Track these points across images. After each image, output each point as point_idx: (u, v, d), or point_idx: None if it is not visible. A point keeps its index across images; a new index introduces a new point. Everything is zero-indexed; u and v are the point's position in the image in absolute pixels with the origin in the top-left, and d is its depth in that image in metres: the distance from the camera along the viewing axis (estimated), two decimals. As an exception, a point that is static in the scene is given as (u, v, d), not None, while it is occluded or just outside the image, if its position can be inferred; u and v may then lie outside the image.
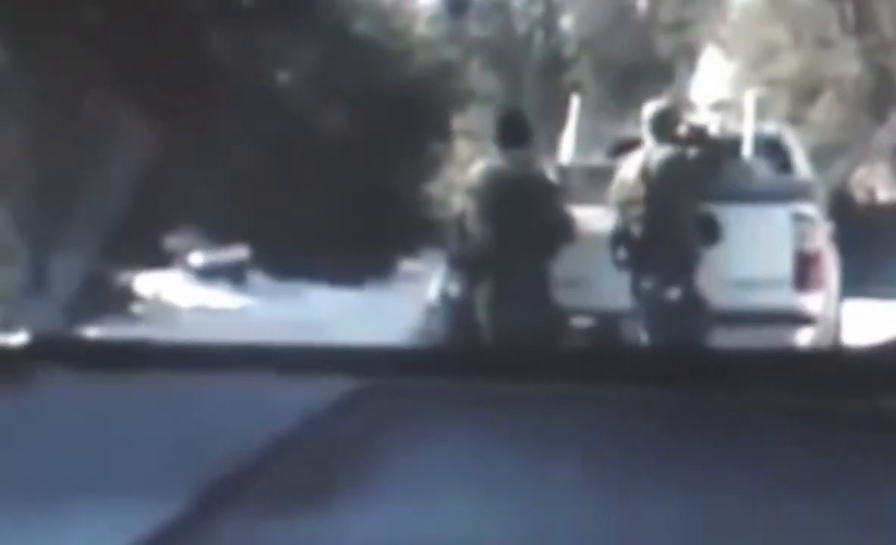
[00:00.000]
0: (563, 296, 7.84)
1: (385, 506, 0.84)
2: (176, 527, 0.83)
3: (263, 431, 0.93)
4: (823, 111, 18.96)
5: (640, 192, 7.23)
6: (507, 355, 1.48)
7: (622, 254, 7.30)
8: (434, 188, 18.05)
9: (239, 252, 12.96)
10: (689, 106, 10.24)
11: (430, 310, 9.88)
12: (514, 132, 7.41)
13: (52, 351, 1.20)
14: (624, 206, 7.31)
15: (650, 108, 7.63)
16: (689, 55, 20.10)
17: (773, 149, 9.26)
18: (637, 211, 7.23)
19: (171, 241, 12.64)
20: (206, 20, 11.72)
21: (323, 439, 0.94)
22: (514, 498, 0.84)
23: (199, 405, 1.03)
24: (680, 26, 21.11)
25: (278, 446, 0.92)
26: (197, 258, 12.72)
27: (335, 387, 1.00)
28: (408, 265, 16.07)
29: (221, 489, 0.86)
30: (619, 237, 7.32)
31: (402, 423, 0.98)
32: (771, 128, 10.30)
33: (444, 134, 17.93)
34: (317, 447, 0.93)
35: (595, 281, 7.54)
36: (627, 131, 9.42)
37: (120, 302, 10.97)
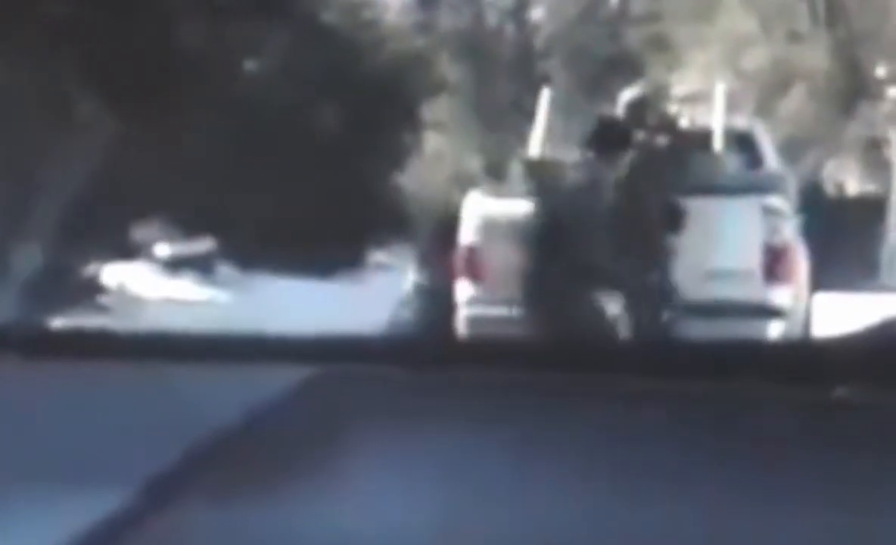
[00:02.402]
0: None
1: (341, 495, 0.84)
2: (126, 516, 0.82)
3: (220, 420, 0.92)
4: (794, 104, 19.00)
5: (609, 177, 7.23)
6: (476, 345, 1.50)
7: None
8: (404, 180, 18.00)
9: (206, 243, 12.88)
10: (662, 97, 10.25)
11: (404, 302, 9.87)
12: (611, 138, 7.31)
13: (8, 339, 1.19)
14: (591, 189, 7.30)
15: (626, 95, 7.66)
16: (661, 47, 20.11)
17: (743, 142, 9.27)
18: (605, 194, 7.22)
19: (138, 232, 12.55)
20: (172, 10, 11.63)
21: (278, 428, 0.94)
22: (478, 488, 0.83)
23: (156, 394, 1.02)
24: (651, 18, 21.13)
25: (233, 435, 0.91)
26: (163, 249, 12.64)
27: (293, 375, 0.99)
28: (378, 256, 16.03)
29: (174, 478, 0.86)
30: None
31: (361, 411, 0.97)
32: (741, 121, 10.32)
33: (415, 125, 17.87)
34: (272, 436, 0.92)
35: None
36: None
37: (86, 293, 10.87)
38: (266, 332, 1.12)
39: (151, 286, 11.99)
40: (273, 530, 0.81)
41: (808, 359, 1.00)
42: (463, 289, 8.35)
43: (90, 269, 11.13)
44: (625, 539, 0.77)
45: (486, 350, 1.14)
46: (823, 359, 0.98)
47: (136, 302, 11.37)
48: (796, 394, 0.93)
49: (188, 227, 12.98)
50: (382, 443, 0.91)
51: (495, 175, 18.92)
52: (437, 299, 9.07)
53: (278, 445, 0.91)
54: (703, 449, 0.87)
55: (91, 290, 11.03)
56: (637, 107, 7.54)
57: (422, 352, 1.13)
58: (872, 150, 17.75)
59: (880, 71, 19.85)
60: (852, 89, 19.25)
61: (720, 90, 10.38)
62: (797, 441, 0.86)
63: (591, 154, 7.57)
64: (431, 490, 0.84)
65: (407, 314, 9.49)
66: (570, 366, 1.03)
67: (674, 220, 7.21)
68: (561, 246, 7.38)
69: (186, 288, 12.24)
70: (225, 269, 13.09)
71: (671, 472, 0.84)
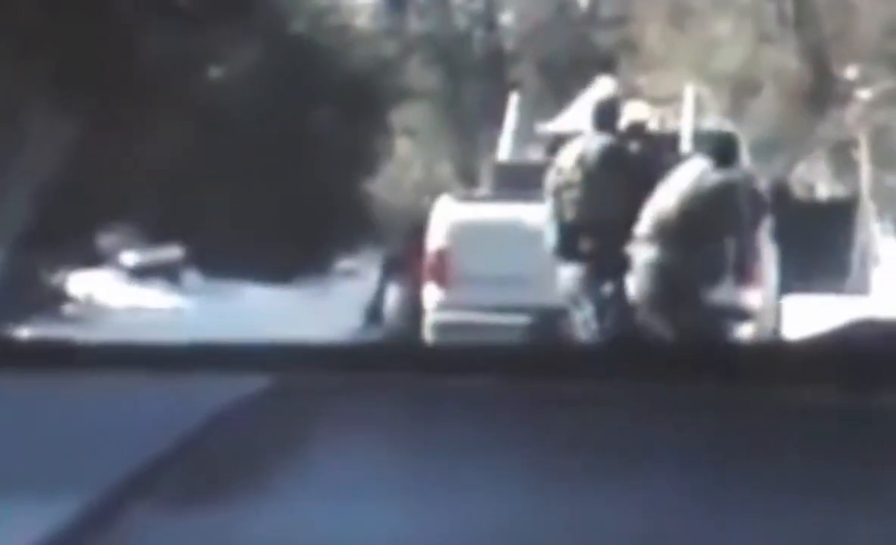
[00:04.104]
0: (502, 295, 7.84)
1: (299, 504, 0.83)
2: (82, 524, 0.82)
3: (180, 430, 0.92)
4: (764, 106, 19.05)
5: (577, 177, 7.18)
6: (434, 351, 1.53)
7: (558, 242, 7.22)
8: (375, 185, 17.95)
9: (173, 251, 12.79)
10: (632, 100, 10.27)
11: (369, 308, 9.82)
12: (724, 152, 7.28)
13: None
14: (559, 191, 7.24)
15: (596, 95, 7.65)
16: (631, 50, 20.15)
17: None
18: (572, 195, 7.17)
19: (104, 240, 12.44)
20: (139, 18, 11.55)
21: (237, 437, 0.93)
22: (431, 499, 0.83)
23: (112, 403, 1.01)
24: (621, 21, 21.17)
25: (187, 444, 0.91)
26: (130, 257, 12.54)
27: (253, 383, 0.99)
28: (346, 263, 15.99)
29: (131, 486, 0.85)
30: (555, 225, 7.25)
31: (321, 420, 0.97)
32: (711, 123, 10.34)
33: (384, 131, 17.81)
34: (231, 445, 0.92)
35: (532, 277, 7.53)
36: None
37: (51, 302, 10.76)
38: (226, 340, 1.11)
39: (118, 294, 11.89)
40: (230, 540, 0.80)
41: (775, 360, 1.00)
42: (431, 295, 8.31)
43: (56, 278, 11.02)
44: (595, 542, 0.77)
45: (450, 357, 1.13)
46: (791, 360, 0.98)
47: (102, 310, 11.27)
48: (762, 396, 0.92)
49: (155, 234, 12.88)
50: (342, 453, 0.91)
51: (466, 179, 18.90)
52: (404, 305, 9.03)
53: (237, 455, 0.91)
54: (675, 450, 0.87)
55: (57, 299, 10.93)
56: (604, 109, 7.50)
57: (385, 359, 1.12)
58: (842, 151, 17.81)
59: (850, 72, 19.94)
60: (822, 91, 19.32)
61: (689, 93, 10.38)
62: (767, 443, 0.86)
63: (559, 159, 7.53)
64: (393, 499, 0.83)
65: (372, 320, 9.43)
66: (537, 371, 1.02)
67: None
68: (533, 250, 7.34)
69: (153, 296, 12.14)
70: (192, 277, 13.00)
71: (636, 476, 0.83)
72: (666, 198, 6.95)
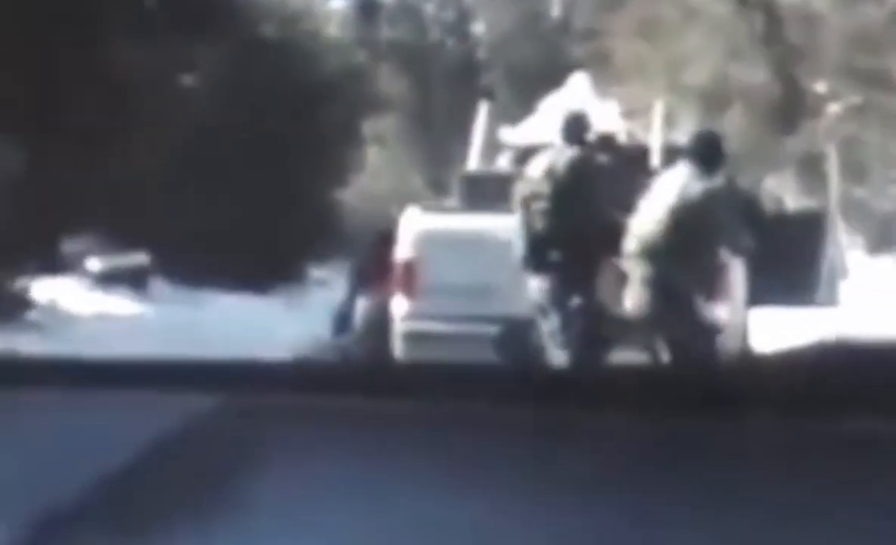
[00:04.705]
0: (470, 306, 7.82)
1: (243, 526, 0.83)
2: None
3: (127, 448, 0.91)
4: (733, 121, 19.10)
5: (545, 189, 7.18)
6: (390, 373, 1.45)
7: (527, 253, 7.21)
8: (346, 195, 17.88)
9: (140, 257, 12.67)
10: (605, 100, 10.28)
11: (337, 319, 9.76)
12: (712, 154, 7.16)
13: None
14: (528, 203, 7.25)
15: (565, 111, 7.67)
16: (602, 62, 20.16)
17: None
18: (540, 207, 7.17)
19: (69, 246, 12.32)
20: (108, 23, 11.47)
21: (184, 458, 0.93)
22: (384, 523, 0.82)
23: (64, 420, 1.00)
24: (592, 34, 21.19)
25: (134, 467, 0.90)
26: (95, 263, 12.42)
27: (206, 402, 0.98)
28: (317, 273, 15.91)
29: (75, 509, 0.84)
30: (524, 236, 7.24)
31: (269, 443, 0.95)
32: (680, 137, 10.34)
33: (355, 140, 17.75)
34: (178, 466, 0.91)
35: (500, 288, 7.52)
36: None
37: (14, 309, 10.64)
38: (181, 357, 1.10)
39: (83, 301, 11.77)
40: None
41: (727, 383, 1.00)
42: (399, 305, 8.28)
43: (18, 284, 10.89)
44: None
45: (407, 378, 1.12)
46: (745, 382, 0.98)
47: (66, 317, 11.15)
48: (732, 419, 0.92)
49: (122, 241, 12.77)
50: (289, 476, 0.89)
51: (437, 189, 18.87)
52: (373, 314, 8.98)
53: (184, 476, 0.90)
54: (636, 473, 0.86)
55: (20, 306, 10.80)
56: (573, 122, 7.49)
57: (341, 380, 1.11)
58: (811, 165, 17.87)
59: (819, 87, 20.03)
60: (791, 105, 19.39)
61: (659, 107, 10.38)
62: (736, 465, 0.86)
63: (528, 170, 7.51)
64: (340, 523, 0.82)
65: (341, 329, 9.38)
66: (497, 395, 1.01)
67: (612, 238, 7.17)
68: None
69: (119, 303, 12.03)
70: (159, 285, 12.89)
71: (602, 498, 0.83)
72: (655, 209, 6.89)
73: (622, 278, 6.95)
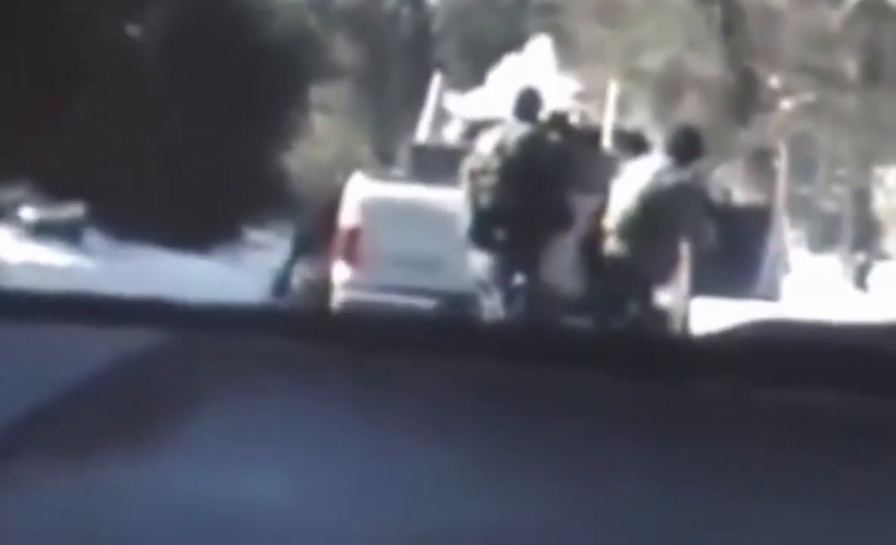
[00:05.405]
0: (412, 278, 7.70)
1: (186, 460, 0.84)
2: None
3: (68, 381, 0.92)
4: (687, 110, 19.13)
5: (494, 164, 7.12)
6: (331, 319, 1.49)
7: (472, 228, 7.13)
8: (290, 160, 17.68)
9: (75, 209, 12.44)
10: (566, 69, 10.26)
11: (275, 283, 9.62)
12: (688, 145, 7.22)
13: None
14: (476, 176, 7.15)
15: (518, 86, 7.60)
16: (559, 42, 20.13)
17: (631, 143, 9.28)
18: (488, 182, 7.10)
19: (3, 195, 12.07)
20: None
21: (128, 390, 0.93)
22: (320, 462, 0.83)
23: (5, 353, 0.99)
24: (551, 10, 21.13)
25: (77, 394, 0.91)
26: (29, 213, 12.19)
27: (146, 339, 0.98)
28: (256, 235, 15.77)
29: (15, 432, 0.86)
30: (469, 211, 7.16)
31: (213, 381, 0.96)
32: (633, 122, 10.36)
33: (302, 106, 17.53)
34: (120, 397, 0.92)
35: (443, 262, 7.42)
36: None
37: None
38: (130, 295, 1.09)
39: (16, 250, 11.54)
40: (115, 490, 0.80)
41: (683, 355, 1.01)
42: (340, 272, 8.13)
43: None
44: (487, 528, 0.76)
45: (350, 326, 1.13)
46: (698, 355, 1.01)
47: (-3, 265, 10.91)
48: (662, 389, 0.93)
49: (58, 192, 12.51)
50: (232, 413, 0.90)
51: (384, 159, 18.72)
52: (312, 281, 8.84)
53: (126, 407, 0.91)
54: (568, 437, 0.86)
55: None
56: (526, 98, 7.39)
57: (286, 324, 1.12)
58: (761, 159, 17.93)
59: (774, 82, 20.09)
60: (745, 98, 19.44)
61: (612, 89, 10.31)
62: (676, 434, 0.86)
63: (478, 144, 7.41)
64: (282, 462, 0.83)
65: (279, 294, 9.23)
66: (439, 346, 1.02)
67: (562, 217, 7.11)
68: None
69: (52, 254, 11.80)
70: (95, 238, 12.68)
71: (542, 466, 0.83)
72: (627, 194, 7.05)
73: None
